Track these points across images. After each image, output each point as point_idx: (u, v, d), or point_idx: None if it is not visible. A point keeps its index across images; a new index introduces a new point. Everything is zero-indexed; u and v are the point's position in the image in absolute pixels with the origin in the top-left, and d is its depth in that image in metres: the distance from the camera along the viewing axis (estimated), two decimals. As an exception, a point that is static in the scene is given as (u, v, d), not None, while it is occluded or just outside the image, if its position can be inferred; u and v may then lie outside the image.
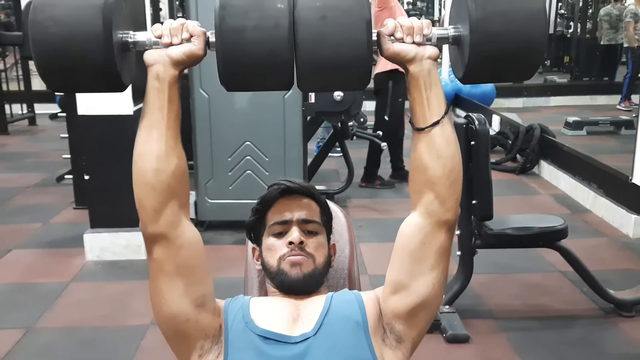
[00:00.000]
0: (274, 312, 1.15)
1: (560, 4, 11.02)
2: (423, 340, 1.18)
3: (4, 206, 4.41)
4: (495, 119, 6.23)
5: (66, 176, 4.63)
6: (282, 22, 0.97)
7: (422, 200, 1.09)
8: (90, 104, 3.17)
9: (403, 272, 1.11)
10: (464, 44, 1.02)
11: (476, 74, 1.03)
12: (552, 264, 3.17)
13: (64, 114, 4.40)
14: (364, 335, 1.10)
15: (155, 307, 1.11)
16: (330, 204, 1.40)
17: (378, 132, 4.65)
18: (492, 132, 5.73)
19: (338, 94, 4.02)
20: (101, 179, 3.27)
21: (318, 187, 1.44)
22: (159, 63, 1.01)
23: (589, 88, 8.86)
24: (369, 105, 6.64)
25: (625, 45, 7.97)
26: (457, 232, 2.71)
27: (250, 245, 1.36)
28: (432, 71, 1.04)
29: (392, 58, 1.04)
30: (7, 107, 7.18)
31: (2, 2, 11.55)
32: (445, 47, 1.17)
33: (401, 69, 1.07)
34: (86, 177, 3.38)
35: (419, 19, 1.05)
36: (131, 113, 3.04)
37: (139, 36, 1.03)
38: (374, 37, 1.01)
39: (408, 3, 14.16)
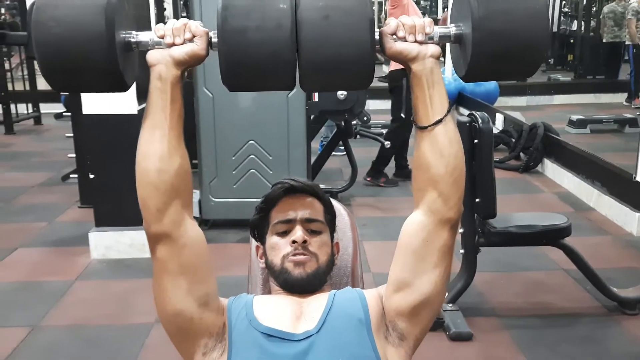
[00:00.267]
0: (277, 310, 1.15)
1: (564, 2, 10.98)
2: (426, 338, 1.18)
3: (9, 205, 4.42)
4: (499, 118, 6.22)
5: (71, 175, 4.66)
6: (284, 23, 0.96)
7: (425, 199, 1.08)
8: (95, 103, 3.18)
9: (406, 270, 1.11)
10: (466, 43, 1.01)
11: (478, 72, 1.03)
12: (555, 262, 3.17)
13: (69, 114, 4.42)
14: (366, 333, 1.10)
15: (159, 305, 1.11)
16: (334, 203, 1.40)
17: (381, 131, 4.64)
18: (495, 131, 5.71)
19: (341, 93, 4.02)
20: (106, 177, 3.28)
21: (322, 186, 1.44)
22: (162, 63, 1.01)
23: (592, 86, 8.85)
24: (372, 104, 6.65)
25: (627, 42, 7.95)
26: (461, 231, 2.71)
27: (254, 243, 1.37)
28: (435, 69, 1.04)
29: (394, 57, 1.04)
30: (12, 106, 7.19)
31: (7, 2, 11.59)
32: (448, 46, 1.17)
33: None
34: (91, 176, 3.39)
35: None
36: (135, 112, 3.04)
37: (142, 36, 1.03)
38: (377, 37, 1.01)
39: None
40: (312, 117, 4.08)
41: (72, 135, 4.27)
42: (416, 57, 1.02)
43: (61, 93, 5.26)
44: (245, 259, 1.46)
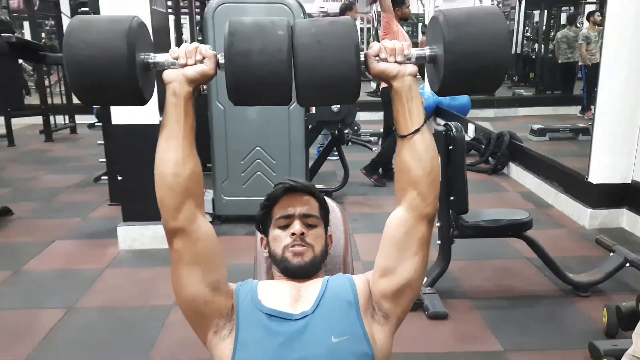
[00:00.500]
0: (278, 293, 1.14)
1: (526, 27, 11.01)
2: (408, 317, 1.18)
3: (49, 203, 4.41)
4: (471, 127, 6.23)
5: (102, 177, 4.65)
6: (282, 47, 0.97)
7: (406, 197, 1.08)
8: (122, 115, 3.17)
9: (390, 258, 1.11)
10: (439, 63, 1.01)
11: (450, 88, 1.03)
12: (519, 252, 3.17)
13: (100, 124, 4.41)
14: (355, 313, 1.10)
15: (177, 291, 1.10)
16: (328, 200, 1.39)
17: (370, 138, 4.63)
18: (467, 138, 5.73)
19: (335, 106, 4.02)
20: (132, 179, 3.27)
21: (318, 186, 1.43)
22: (176, 81, 1.01)
23: (551, 100, 8.87)
24: (362, 116, 6.65)
25: (580, 63, 7.97)
26: (438, 224, 2.71)
27: (259, 235, 1.36)
28: (413, 86, 1.04)
29: (377, 75, 1.04)
30: (52, 118, 7.19)
31: (47, 27, 11.56)
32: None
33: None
34: (119, 178, 3.38)
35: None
36: (157, 123, 3.01)
37: (159, 57, 1.03)
38: (362, 58, 1.01)
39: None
40: (310, 126, 4.07)
41: (102, 142, 4.25)
42: (396, 76, 1.03)
43: (93, 106, 5.25)
44: (252, 250, 1.46)
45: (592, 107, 4.19)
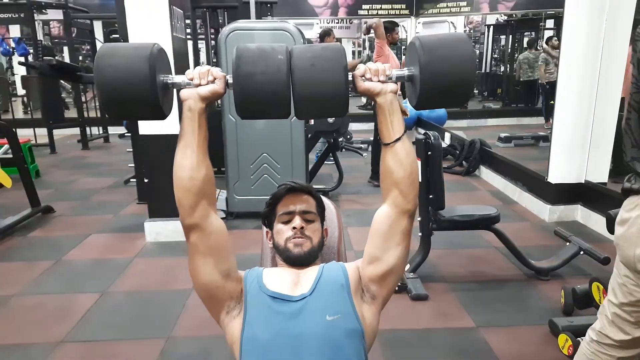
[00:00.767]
0: (280, 279, 1.14)
1: (494, 50, 11.02)
2: (394, 298, 1.18)
3: (86, 202, 4.40)
4: (447, 135, 6.23)
5: (131, 179, 4.64)
6: (282, 69, 0.97)
7: (390, 195, 1.09)
8: (148, 126, 3.17)
9: (377, 248, 1.11)
10: (415, 81, 1.02)
11: (425, 103, 1.03)
12: (489, 242, 3.17)
13: (130, 134, 4.40)
14: (346, 295, 1.10)
15: (193, 278, 1.10)
16: (324, 199, 1.39)
17: (361, 145, 4.61)
18: (444, 145, 5.74)
19: (331, 118, 4.02)
20: (157, 181, 3.27)
21: (317, 186, 1.44)
22: (191, 98, 1.01)
23: (515, 112, 8.86)
24: (354, 126, 6.65)
25: (540, 81, 8.00)
26: (419, 219, 2.71)
27: (264, 229, 1.36)
28: (394, 101, 1.04)
29: (363, 93, 1.05)
30: (87, 129, 7.18)
31: (84, 51, 11.55)
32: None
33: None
34: (146, 180, 3.38)
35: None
36: (177, 133, 3.02)
37: (176, 78, 1.03)
38: (350, 78, 1.02)
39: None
40: (309, 135, 4.08)
41: (131, 150, 4.26)
42: (379, 93, 1.03)
43: (120, 120, 5.24)
44: (260, 242, 1.46)
45: (551, 118, 4.20)
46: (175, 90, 1.07)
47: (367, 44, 13.84)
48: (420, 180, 2.46)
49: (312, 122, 4.04)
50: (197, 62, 5.88)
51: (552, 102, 3.89)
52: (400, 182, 1.06)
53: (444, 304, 2.48)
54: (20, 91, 10.96)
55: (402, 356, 2.05)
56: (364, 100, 9.60)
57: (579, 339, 2.00)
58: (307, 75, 0.97)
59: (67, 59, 8.46)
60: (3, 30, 9.82)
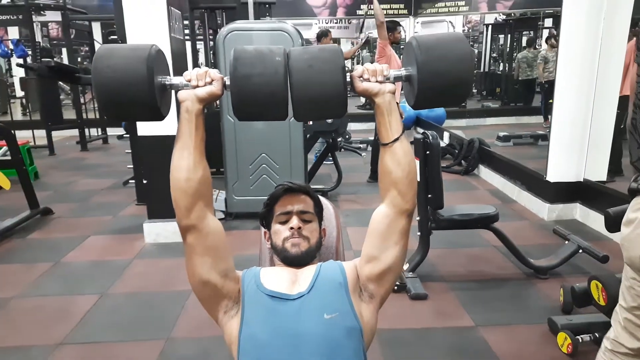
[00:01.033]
0: (278, 278, 1.14)
1: (493, 49, 11.03)
2: (392, 297, 1.18)
3: (85, 203, 4.40)
4: (446, 135, 6.24)
5: (130, 181, 4.64)
6: (279, 70, 0.97)
7: (388, 195, 1.09)
8: (146, 128, 3.17)
9: (374, 247, 1.11)
10: (413, 81, 1.02)
11: (423, 102, 1.03)
12: (487, 241, 3.17)
13: (128, 135, 4.40)
14: (344, 293, 1.10)
15: (191, 278, 1.10)
16: (322, 199, 1.39)
17: (359, 145, 4.62)
18: (443, 144, 5.74)
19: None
20: (156, 182, 3.26)
21: (316, 187, 1.44)
22: (188, 100, 1.01)
23: (514, 111, 8.87)
24: (352, 126, 6.66)
25: (538, 80, 7.99)
26: (417, 218, 2.71)
27: (262, 230, 1.36)
28: (392, 102, 1.04)
29: (362, 93, 1.04)
30: (86, 130, 7.17)
31: (82, 53, 11.54)
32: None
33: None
34: (144, 181, 3.38)
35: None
36: (175, 134, 3.02)
37: (174, 80, 1.03)
38: (348, 79, 1.01)
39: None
40: (308, 135, 4.08)
41: (130, 151, 4.26)
42: (377, 93, 1.03)
43: (117, 121, 5.24)
44: (259, 242, 1.46)
45: (549, 117, 4.20)
46: (173, 91, 1.07)
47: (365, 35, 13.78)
48: (419, 179, 2.47)
49: (310, 122, 4.04)
50: (195, 63, 5.88)
51: (550, 101, 3.89)
52: (399, 182, 1.06)
53: (443, 303, 2.48)
54: (19, 93, 10.97)
55: (401, 355, 2.05)
56: (363, 100, 9.61)
57: (578, 337, 2.00)
58: (305, 76, 0.97)
59: (65, 61, 8.44)
60: (1, 32, 9.82)
